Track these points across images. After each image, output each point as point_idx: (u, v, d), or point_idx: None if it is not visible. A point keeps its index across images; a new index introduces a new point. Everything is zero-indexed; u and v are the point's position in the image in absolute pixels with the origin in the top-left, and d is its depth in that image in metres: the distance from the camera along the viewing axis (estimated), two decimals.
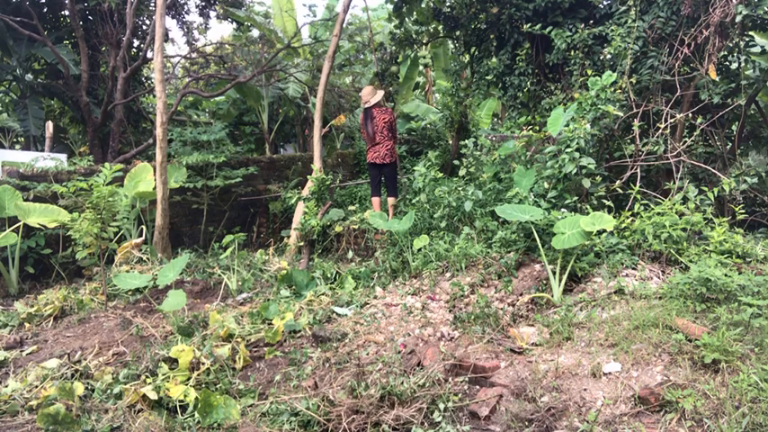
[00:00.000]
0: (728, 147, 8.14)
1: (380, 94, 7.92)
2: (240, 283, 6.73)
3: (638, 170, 6.56)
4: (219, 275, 6.88)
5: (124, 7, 11.73)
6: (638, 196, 5.76)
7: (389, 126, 7.74)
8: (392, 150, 7.78)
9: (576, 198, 5.98)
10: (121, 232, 8.20)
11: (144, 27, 13.47)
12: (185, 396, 3.81)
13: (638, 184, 6.10)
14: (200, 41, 16.39)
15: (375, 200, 8.00)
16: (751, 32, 8.41)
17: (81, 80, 11.82)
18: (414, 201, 7.66)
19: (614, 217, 5.34)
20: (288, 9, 14.03)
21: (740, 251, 5.24)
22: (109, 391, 4.02)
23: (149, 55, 11.98)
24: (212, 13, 14.42)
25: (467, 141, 7.62)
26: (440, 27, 11.67)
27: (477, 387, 3.85)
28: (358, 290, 6.21)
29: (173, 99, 12.12)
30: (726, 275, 4.25)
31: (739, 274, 4.54)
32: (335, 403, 3.50)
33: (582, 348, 4.09)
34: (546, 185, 6.14)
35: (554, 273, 5.15)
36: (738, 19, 6.54)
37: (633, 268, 5.23)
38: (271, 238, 10.04)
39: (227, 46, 14.95)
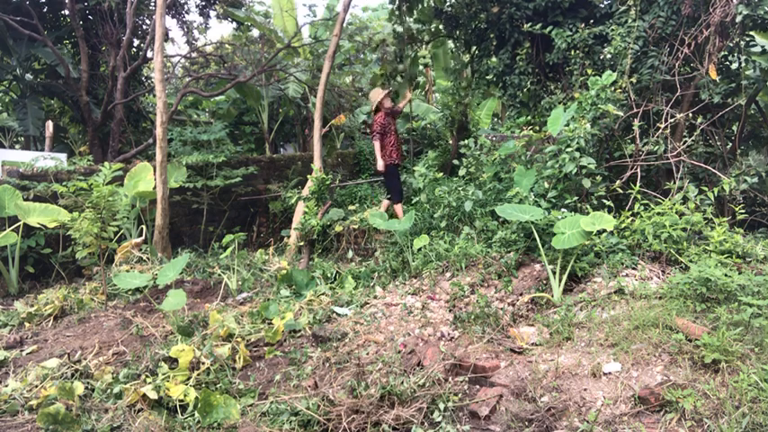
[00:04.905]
0: (728, 147, 8.14)
1: (378, 99, 7.93)
2: (240, 282, 6.73)
3: (639, 170, 6.55)
4: (219, 275, 6.88)
5: (124, 7, 11.72)
6: (639, 196, 5.76)
7: (372, 134, 7.87)
8: (383, 157, 7.88)
9: (576, 198, 5.98)
10: (121, 232, 8.20)
11: (144, 27, 13.45)
12: (185, 396, 3.81)
13: (638, 184, 6.10)
14: (200, 41, 16.37)
15: (383, 202, 8.17)
16: (751, 32, 8.40)
17: (81, 80, 11.81)
18: (414, 201, 7.67)
19: (614, 217, 5.34)
20: (288, 9, 14.01)
21: (740, 251, 5.24)
22: (109, 390, 4.02)
23: (149, 54, 11.98)
24: (212, 13, 14.39)
25: (467, 141, 7.62)
26: (440, 26, 11.66)
27: (477, 387, 3.85)
28: (358, 290, 6.21)
29: (173, 99, 12.11)
30: (726, 275, 4.25)
31: (739, 274, 4.54)
32: (335, 403, 3.50)
33: (582, 348, 4.09)
34: (546, 185, 6.14)
35: (554, 273, 5.15)
36: (739, 19, 6.54)
37: (633, 268, 5.23)
38: (271, 238, 10.04)
39: (227, 46, 14.95)
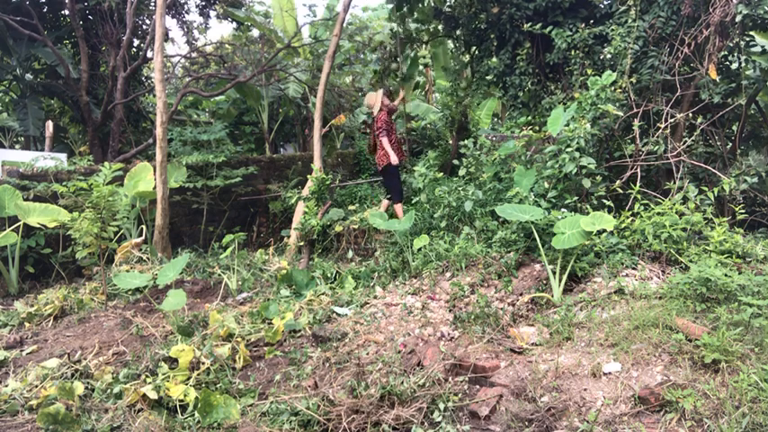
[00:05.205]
0: (728, 147, 8.14)
1: (379, 100, 7.98)
2: (240, 282, 6.73)
3: (639, 170, 6.55)
4: (219, 275, 6.88)
5: (124, 7, 11.73)
6: (639, 196, 5.76)
7: (379, 131, 7.85)
8: (382, 157, 7.88)
9: (576, 198, 5.98)
10: (121, 232, 8.20)
11: (144, 26, 13.46)
12: (185, 396, 3.81)
13: (638, 184, 6.10)
14: (200, 41, 16.37)
15: (383, 202, 8.15)
16: (751, 32, 8.40)
17: (81, 80, 11.82)
18: (414, 201, 7.68)
19: (614, 217, 5.34)
20: (288, 9, 14.01)
21: (740, 251, 5.24)
22: (109, 390, 4.02)
23: (149, 54, 11.98)
24: (212, 13, 14.41)
25: (467, 141, 7.63)
26: (440, 26, 11.66)
27: (477, 387, 3.85)
28: (358, 289, 6.21)
29: (173, 99, 12.11)
30: (726, 275, 4.25)
31: (739, 274, 4.54)
32: (335, 403, 3.50)
33: (582, 348, 4.09)
34: (546, 185, 6.14)
35: (554, 273, 5.15)
36: (738, 19, 6.54)
37: (633, 268, 5.23)
38: (271, 238, 10.04)
39: (227, 46, 14.95)
